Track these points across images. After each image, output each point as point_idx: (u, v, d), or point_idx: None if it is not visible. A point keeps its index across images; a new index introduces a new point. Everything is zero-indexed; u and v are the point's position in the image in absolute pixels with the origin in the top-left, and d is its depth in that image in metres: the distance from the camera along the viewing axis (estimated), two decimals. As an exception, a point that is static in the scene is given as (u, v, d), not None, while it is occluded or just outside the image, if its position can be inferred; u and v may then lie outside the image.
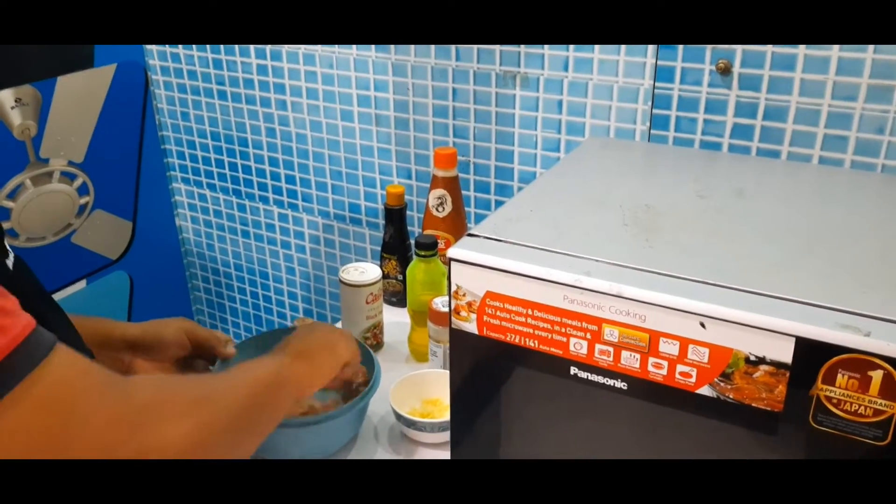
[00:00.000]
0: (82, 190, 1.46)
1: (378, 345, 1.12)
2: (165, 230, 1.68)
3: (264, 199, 1.54)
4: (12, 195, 1.34)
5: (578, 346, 0.67)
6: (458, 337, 0.73)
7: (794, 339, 0.58)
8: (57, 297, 1.46)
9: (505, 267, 0.67)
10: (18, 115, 1.32)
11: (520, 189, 1.24)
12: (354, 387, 0.91)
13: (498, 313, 0.70)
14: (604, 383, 0.67)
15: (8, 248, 0.63)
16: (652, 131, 1.10)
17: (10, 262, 0.62)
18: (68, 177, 1.43)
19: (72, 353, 0.49)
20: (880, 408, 0.57)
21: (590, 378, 0.68)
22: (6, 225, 1.35)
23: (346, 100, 1.34)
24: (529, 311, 0.68)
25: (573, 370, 0.68)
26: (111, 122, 1.47)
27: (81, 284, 1.51)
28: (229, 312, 1.74)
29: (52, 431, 0.47)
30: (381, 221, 1.36)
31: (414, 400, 0.97)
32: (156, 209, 1.64)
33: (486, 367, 0.74)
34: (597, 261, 0.67)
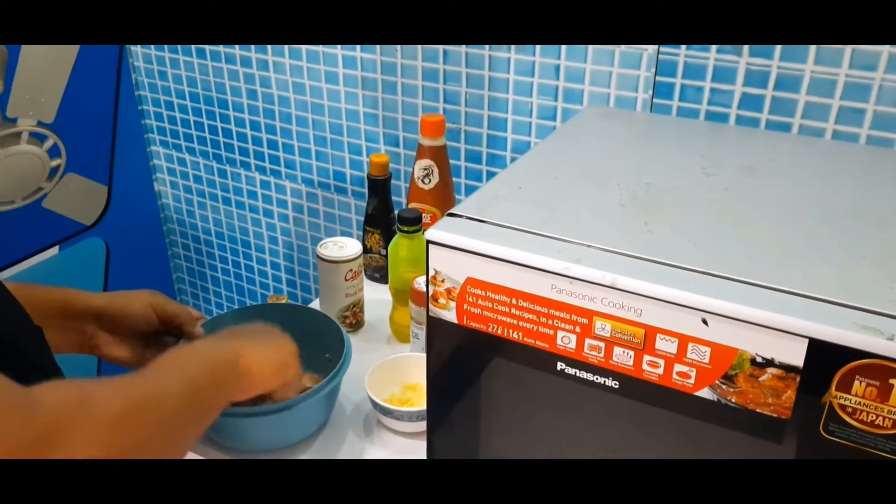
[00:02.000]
0: (53, 152, 1.38)
1: (358, 324, 1.05)
2: (143, 195, 1.61)
3: (246, 165, 1.47)
4: (-23, 157, 1.27)
5: (566, 340, 0.61)
6: (435, 325, 0.67)
7: (807, 341, 0.51)
8: (28, 263, 1.40)
9: (487, 251, 0.61)
10: (-18, 72, 1.24)
11: (512, 160, 1.17)
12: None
13: (479, 302, 0.63)
14: (593, 381, 0.61)
15: None
16: (655, 100, 1.02)
17: None
18: (38, 138, 1.35)
19: None
20: (901, 419, 0.51)
21: (578, 375, 0.61)
22: (-29, 188, 1.28)
23: (330, 60, 1.26)
24: (513, 301, 0.62)
25: (560, 365, 0.62)
26: (84, 81, 1.39)
27: (54, 251, 1.45)
28: (210, 281, 1.68)
29: None
30: (367, 191, 1.30)
31: (393, 385, 0.91)
32: (133, 173, 1.56)
33: (466, 359, 0.67)
34: (589, 246, 0.60)
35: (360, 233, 1.17)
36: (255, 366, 0.69)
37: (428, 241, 0.63)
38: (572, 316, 0.59)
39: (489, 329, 0.64)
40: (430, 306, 0.66)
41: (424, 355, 0.92)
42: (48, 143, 1.37)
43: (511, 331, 0.63)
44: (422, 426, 0.84)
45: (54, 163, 1.39)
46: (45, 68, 1.33)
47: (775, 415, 0.55)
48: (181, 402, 0.57)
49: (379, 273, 1.14)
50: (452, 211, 0.65)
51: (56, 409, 0.46)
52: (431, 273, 0.65)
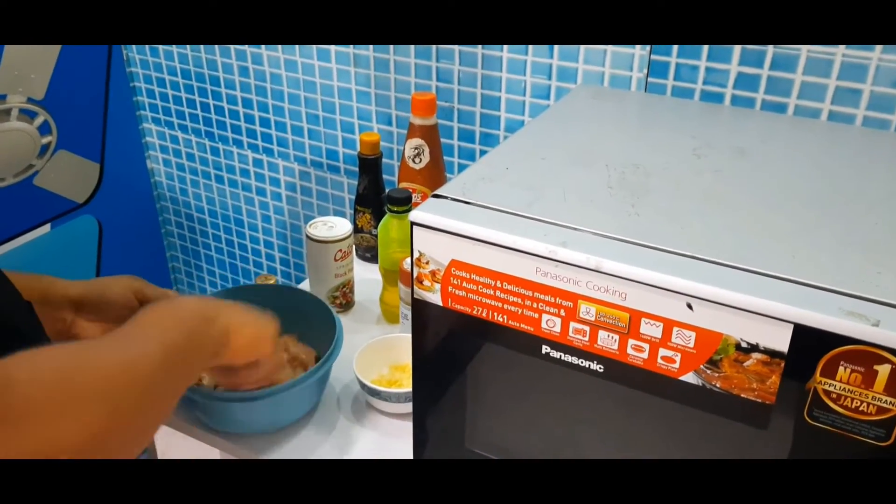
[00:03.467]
0: (44, 129, 1.37)
1: (348, 304, 1.05)
2: (136, 173, 1.59)
3: (238, 143, 1.45)
4: (-34, 134, 1.26)
5: (551, 324, 0.60)
6: (420, 308, 0.66)
7: (792, 326, 0.51)
8: (19, 241, 1.39)
9: (472, 234, 0.60)
10: (-30, 48, 1.23)
11: (506, 139, 1.15)
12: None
13: (464, 284, 0.63)
14: (578, 364, 0.61)
15: None
16: (650, 79, 1.01)
17: None
18: (28, 114, 1.34)
19: None
20: (885, 405, 0.50)
21: (563, 358, 0.61)
22: (-40, 165, 1.27)
23: (322, 37, 1.24)
24: (498, 284, 0.61)
25: (545, 349, 0.61)
26: (74, 57, 1.38)
27: (45, 229, 1.44)
28: (204, 260, 1.68)
29: None
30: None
31: (382, 366, 0.91)
32: (125, 151, 1.55)
33: (451, 342, 0.67)
34: (575, 229, 0.59)
35: (353, 212, 1.16)
36: (235, 331, 0.66)
37: (412, 223, 0.63)
38: (557, 299, 0.59)
39: (474, 312, 0.63)
40: (415, 288, 0.66)
41: (413, 336, 0.92)
42: (39, 120, 1.35)
43: (496, 314, 0.62)
44: (408, 407, 0.84)
45: (45, 140, 1.38)
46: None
47: (760, 400, 0.54)
48: (158, 366, 0.55)
49: (370, 253, 1.13)
50: (437, 192, 0.64)
51: (33, 381, 0.44)
52: (416, 255, 0.64)
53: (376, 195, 1.09)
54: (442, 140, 1.11)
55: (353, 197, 1.33)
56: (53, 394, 0.45)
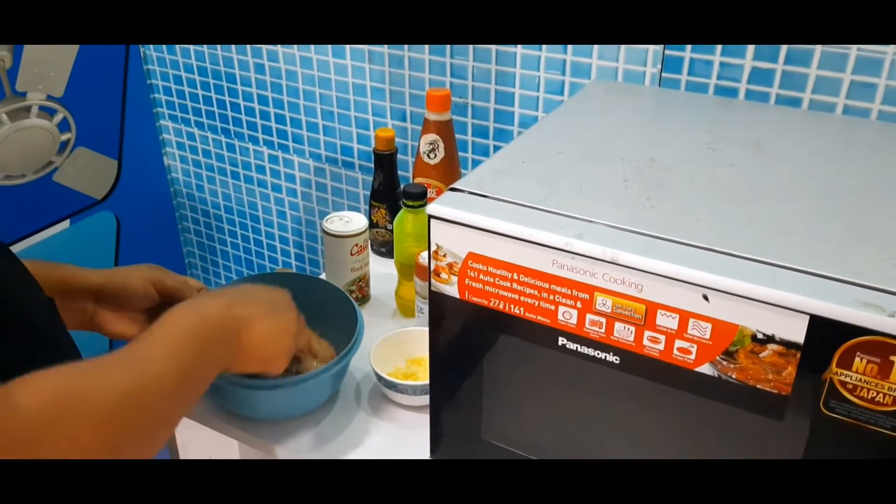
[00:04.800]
0: (63, 126, 1.39)
1: (364, 298, 1.06)
2: (153, 170, 1.61)
3: (254, 140, 1.47)
4: (-13, 131, 1.28)
5: (568, 316, 0.61)
6: (437, 300, 0.67)
7: (808, 318, 0.51)
8: (39, 237, 1.41)
9: (489, 226, 0.61)
10: (-9, 45, 1.24)
11: (520, 134, 1.16)
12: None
13: (481, 276, 0.63)
14: (594, 356, 0.61)
15: None
16: (663, 74, 1.01)
17: None
18: (48, 112, 1.35)
19: None
20: (901, 396, 0.51)
21: (579, 350, 0.62)
22: (-18, 162, 1.29)
23: (337, 34, 1.25)
24: (515, 276, 0.62)
25: (561, 341, 0.62)
26: (92, 55, 1.39)
27: (65, 225, 1.46)
28: (220, 255, 1.69)
29: None
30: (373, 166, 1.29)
31: (398, 359, 0.92)
32: (142, 147, 1.56)
33: (468, 334, 0.68)
34: (591, 222, 0.60)
35: (368, 207, 1.17)
36: (253, 346, 0.66)
37: (429, 216, 0.63)
38: (573, 291, 0.59)
39: (491, 304, 0.64)
40: (432, 281, 0.66)
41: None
42: (58, 117, 1.37)
43: (512, 306, 0.63)
44: (425, 400, 0.85)
45: (64, 137, 1.40)
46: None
47: (776, 391, 0.55)
48: (170, 388, 0.55)
49: (385, 248, 1.14)
50: (454, 186, 0.65)
51: (38, 411, 0.44)
52: (433, 248, 0.65)
53: (391, 190, 1.10)
54: (456, 136, 1.11)
55: (368, 193, 1.34)
56: (55, 423, 0.45)
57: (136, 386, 0.52)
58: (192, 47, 1.44)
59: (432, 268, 0.66)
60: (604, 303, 0.59)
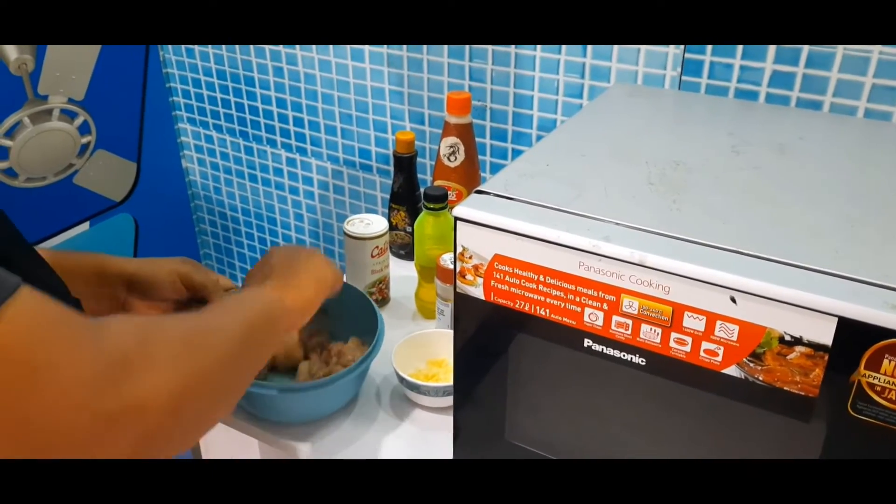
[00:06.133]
0: (83, 129, 1.40)
1: (384, 300, 1.06)
2: (171, 172, 1.62)
3: (272, 143, 1.48)
4: (10, 133, 1.29)
5: (594, 317, 0.61)
6: (463, 302, 0.67)
7: (836, 320, 0.51)
8: (59, 239, 1.43)
9: (515, 228, 0.61)
10: (14, 49, 1.26)
11: (538, 138, 1.16)
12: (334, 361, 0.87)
13: (507, 278, 0.64)
14: (620, 357, 0.61)
15: None
16: (683, 78, 1.01)
17: None
18: (69, 115, 1.37)
19: (39, 298, 0.43)
20: (930, 398, 0.51)
21: (605, 351, 0.62)
22: (4, 164, 1.30)
23: (356, 38, 1.26)
24: (541, 278, 0.62)
25: (587, 342, 0.62)
26: (113, 58, 1.41)
27: (84, 227, 1.47)
28: (237, 258, 1.70)
29: (12, 385, 0.40)
30: (392, 169, 1.30)
31: (418, 360, 0.92)
32: (161, 150, 1.58)
33: (493, 335, 0.68)
34: (617, 224, 0.60)
35: (386, 210, 1.18)
36: (297, 301, 0.70)
37: (456, 218, 0.64)
38: (600, 293, 0.60)
39: (516, 305, 0.64)
40: (458, 283, 0.67)
41: (450, 331, 0.93)
42: (79, 120, 1.38)
43: (538, 307, 0.63)
44: (448, 401, 0.85)
45: (85, 139, 1.41)
46: (75, 46, 1.34)
47: (803, 393, 0.55)
48: (237, 336, 0.58)
49: (404, 250, 1.15)
50: (480, 188, 0.66)
51: (124, 333, 0.47)
52: (459, 249, 0.65)
53: (411, 193, 1.11)
54: (475, 139, 1.12)
55: (385, 195, 1.35)
56: (145, 346, 0.47)
57: (202, 326, 0.56)
58: (210, 50, 1.45)
59: (458, 269, 0.66)
60: (630, 304, 0.59)
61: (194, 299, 0.83)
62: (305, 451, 0.83)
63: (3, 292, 0.40)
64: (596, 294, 0.60)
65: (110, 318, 0.47)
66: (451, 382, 0.84)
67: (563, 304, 0.62)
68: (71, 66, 1.34)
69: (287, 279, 0.71)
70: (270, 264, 0.74)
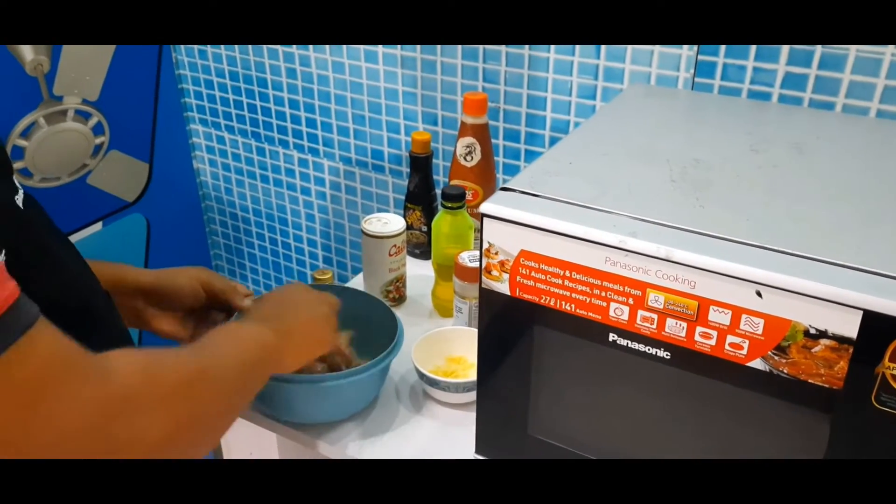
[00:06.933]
0: (97, 129, 1.41)
1: (400, 298, 1.08)
2: (183, 173, 1.63)
3: (284, 143, 1.49)
4: (25, 133, 1.30)
5: (619, 312, 0.62)
6: (488, 297, 0.69)
7: (861, 313, 0.52)
8: (72, 239, 1.43)
9: (542, 225, 0.62)
10: (30, 50, 1.27)
11: (551, 138, 1.18)
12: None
13: (532, 274, 0.65)
14: (645, 351, 0.63)
15: (18, 185, 0.60)
16: (696, 79, 1.03)
17: (19, 199, 0.58)
18: (83, 115, 1.38)
19: (53, 332, 0.45)
20: (954, 390, 0.52)
21: (630, 346, 0.63)
22: (20, 164, 1.31)
23: (370, 40, 1.27)
24: (567, 273, 0.63)
25: (612, 337, 0.64)
26: (126, 60, 1.42)
27: (97, 227, 1.48)
28: (248, 258, 1.71)
29: (17, 414, 0.43)
30: (405, 169, 1.31)
31: (437, 358, 0.93)
32: (173, 151, 1.59)
33: (517, 330, 0.69)
34: (643, 220, 0.61)
35: (399, 210, 1.19)
36: (293, 354, 0.73)
37: (482, 215, 0.65)
38: (626, 288, 0.61)
39: (542, 301, 0.65)
40: (483, 278, 0.68)
41: (468, 329, 0.95)
42: (93, 121, 1.39)
43: (564, 302, 0.64)
44: (468, 397, 0.86)
45: (98, 140, 1.42)
46: (90, 47, 1.35)
47: (827, 385, 0.56)
48: (233, 374, 0.61)
49: (419, 249, 1.16)
50: (506, 185, 0.67)
51: (128, 374, 0.49)
52: (485, 246, 0.66)
53: (426, 193, 1.12)
54: (489, 139, 1.13)
55: (397, 196, 1.36)
56: (146, 386, 0.49)
57: (202, 366, 0.57)
58: (223, 51, 1.46)
59: (483, 265, 0.67)
60: (656, 299, 0.60)
61: (212, 306, 0.84)
62: (328, 447, 0.84)
63: (22, 324, 0.43)
64: (622, 289, 0.61)
65: (116, 355, 0.49)
66: (470, 378, 0.85)
67: (588, 300, 0.63)
68: (85, 67, 1.35)
69: (291, 334, 0.73)
70: (282, 302, 0.77)
